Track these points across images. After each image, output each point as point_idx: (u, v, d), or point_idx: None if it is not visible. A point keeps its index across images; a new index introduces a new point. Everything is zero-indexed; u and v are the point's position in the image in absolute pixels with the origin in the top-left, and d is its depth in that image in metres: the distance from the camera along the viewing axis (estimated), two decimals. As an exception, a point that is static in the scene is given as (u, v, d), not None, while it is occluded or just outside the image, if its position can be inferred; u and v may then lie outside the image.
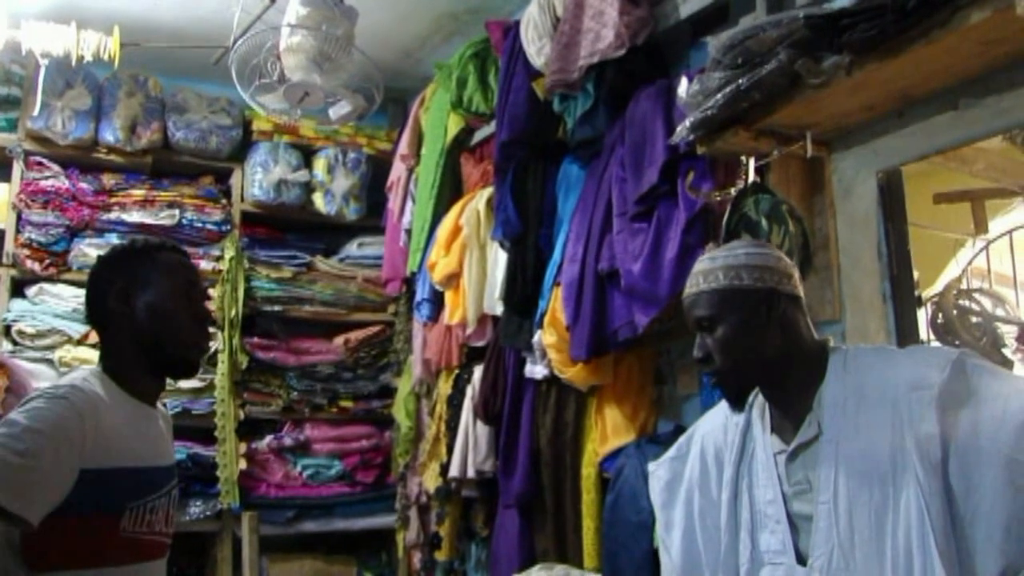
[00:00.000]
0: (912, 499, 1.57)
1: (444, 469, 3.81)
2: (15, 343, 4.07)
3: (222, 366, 4.35)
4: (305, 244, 4.87)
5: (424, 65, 4.63)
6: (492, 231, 3.58)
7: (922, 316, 2.59)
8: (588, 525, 3.06)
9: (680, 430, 2.91)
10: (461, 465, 3.64)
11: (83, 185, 4.31)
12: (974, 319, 2.82)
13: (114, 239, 4.24)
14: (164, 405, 2.11)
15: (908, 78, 2.15)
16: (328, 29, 3.22)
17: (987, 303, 2.87)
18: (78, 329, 4.14)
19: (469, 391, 3.73)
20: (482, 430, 3.60)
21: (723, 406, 2.02)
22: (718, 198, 2.59)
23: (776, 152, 2.46)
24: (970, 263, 3.10)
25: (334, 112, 3.56)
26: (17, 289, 4.22)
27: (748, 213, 2.41)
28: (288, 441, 4.51)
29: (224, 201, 4.64)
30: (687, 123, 2.42)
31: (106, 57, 3.79)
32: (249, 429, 4.49)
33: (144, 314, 1.92)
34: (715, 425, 2.03)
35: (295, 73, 3.25)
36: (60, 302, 4.17)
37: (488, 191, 3.77)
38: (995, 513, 1.50)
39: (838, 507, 1.68)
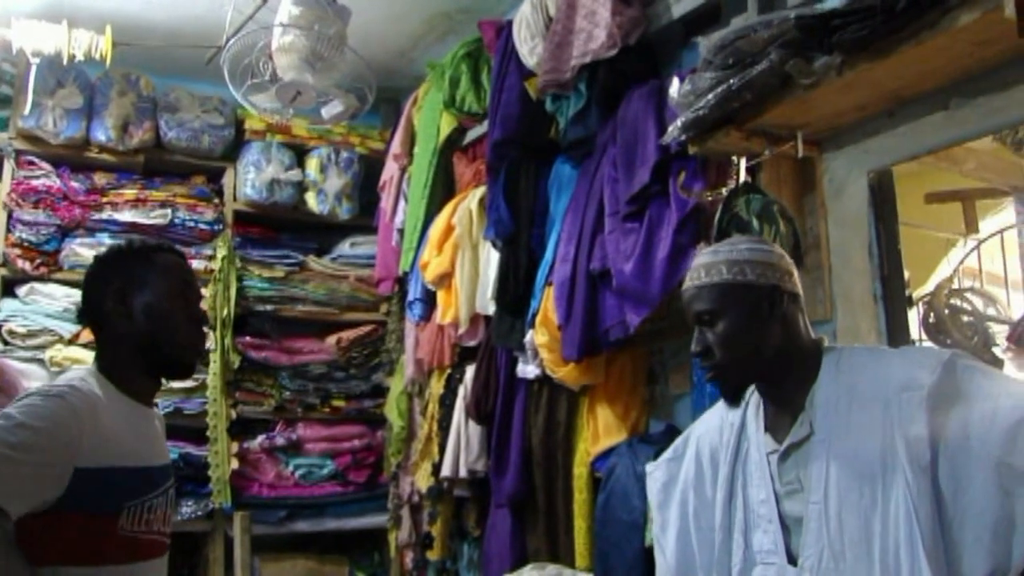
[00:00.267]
0: (900, 501, 1.57)
1: (436, 469, 3.81)
2: (6, 343, 4.07)
3: (214, 366, 4.35)
4: (297, 243, 4.87)
5: (417, 65, 4.63)
6: (484, 231, 3.58)
7: (913, 316, 2.59)
8: (580, 524, 3.06)
9: (672, 429, 2.92)
10: (453, 465, 3.64)
11: (75, 184, 4.30)
12: (965, 318, 2.82)
13: (106, 239, 4.23)
14: (156, 405, 2.11)
15: (899, 78, 2.15)
16: (320, 29, 3.22)
17: (978, 302, 2.87)
18: (69, 329, 4.14)
19: (461, 391, 3.73)
20: (474, 430, 3.60)
21: (719, 407, 2.03)
22: (709, 198, 2.59)
23: (767, 152, 2.46)
24: (961, 263, 3.11)
25: (326, 112, 3.56)
26: (8, 289, 4.21)
27: (739, 213, 2.41)
28: (280, 441, 4.51)
29: (216, 200, 4.64)
30: (678, 123, 2.42)
31: (98, 56, 3.79)
32: (241, 429, 4.49)
33: (140, 315, 1.92)
34: (710, 426, 2.03)
35: (287, 73, 3.25)
36: (51, 302, 4.17)
37: (480, 191, 3.77)
38: (983, 515, 1.50)
39: (828, 508, 1.68)
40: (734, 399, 1.88)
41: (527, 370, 3.30)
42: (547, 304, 3.13)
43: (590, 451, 3.08)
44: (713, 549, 1.93)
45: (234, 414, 4.43)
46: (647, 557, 2.65)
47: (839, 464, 1.68)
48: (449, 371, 3.93)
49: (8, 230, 4.18)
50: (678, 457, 2.09)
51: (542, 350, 3.15)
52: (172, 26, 4.25)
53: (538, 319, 3.16)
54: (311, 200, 4.78)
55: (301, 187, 4.77)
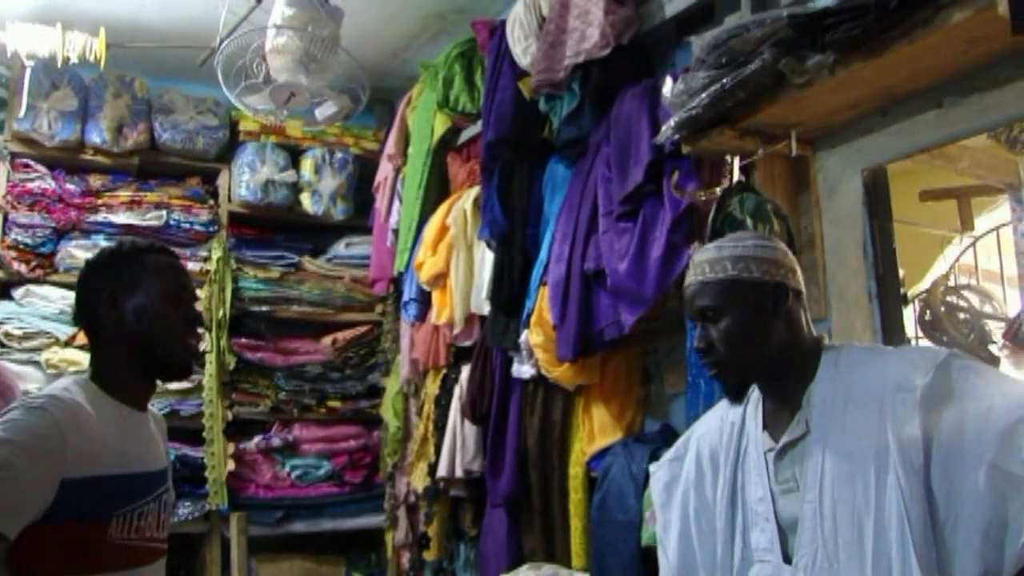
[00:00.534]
0: (893, 502, 1.56)
1: (432, 469, 3.81)
2: (2, 345, 4.05)
3: (210, 367, 4.34)
4: (292, 244, 4.86)
5: (410, 65, 4.62)
6: (479, 231, 3.58)
7: (908, 314, 2.59)
8: (575, 524, 3.06)
9: (667, 429, 2.92)
10: (449, 465, 3.64)
11: (70, 186, 4.30)
12: (962, 316, 2.83)
13: (101, 240, 4.23)
14: (152, 406, 2.09)
15: (892, 77, 2.15)
16: (314, 30, 3.21)
17: (974, 300, 2.88)
18: (65, 331, 4.13)
19: (457, 391, 3.73)
20: (470, 430, 3.60)
21: (719, 407, 2.03)
22: (703, 197, 2.59)
23: (761, 151, 2.46)
24: (957, 260, 3.12)
25: (320, 112, 3.56)
26: (4, 291, 4.21)
27: (733, 212, 2.41)
28: (276, 441, 4.50)
29: (211, 202, 4.63)
30: (672, 122, 2.42)
31: (92, 58, 3.78)
32: (237, 430, 4.48)
33: (133, 318, 1.90)
34: (711, 427, 2.02)
35: (281, 74, 3.24)
36: (47, 304, 4.16)
37: (475, 191, 3.77)
38: (975, 518, 1.49)
39: (823, 507, 1.67)
40: (737, 396, 1.87)
41: (522, 370, 3.30)
42: (542, 304, 3.13)
43: (586, 451, 3.08)
44: (714, 550, 1.92)
45: (230, 415, 4.41)
46: (643, 556, 2.65)
47: (834, 463, 1.67)
48: (444, 371, 3.93)
49: (4, 232, 4.17)
50: (680, 457, 2.08)
51: (537, 350, 3.15)
52: (166, 28, 4.24)
53: (533, 319, 3.16)
54: (306, 201, 4.77)
55: (296, 188, 4.76)
